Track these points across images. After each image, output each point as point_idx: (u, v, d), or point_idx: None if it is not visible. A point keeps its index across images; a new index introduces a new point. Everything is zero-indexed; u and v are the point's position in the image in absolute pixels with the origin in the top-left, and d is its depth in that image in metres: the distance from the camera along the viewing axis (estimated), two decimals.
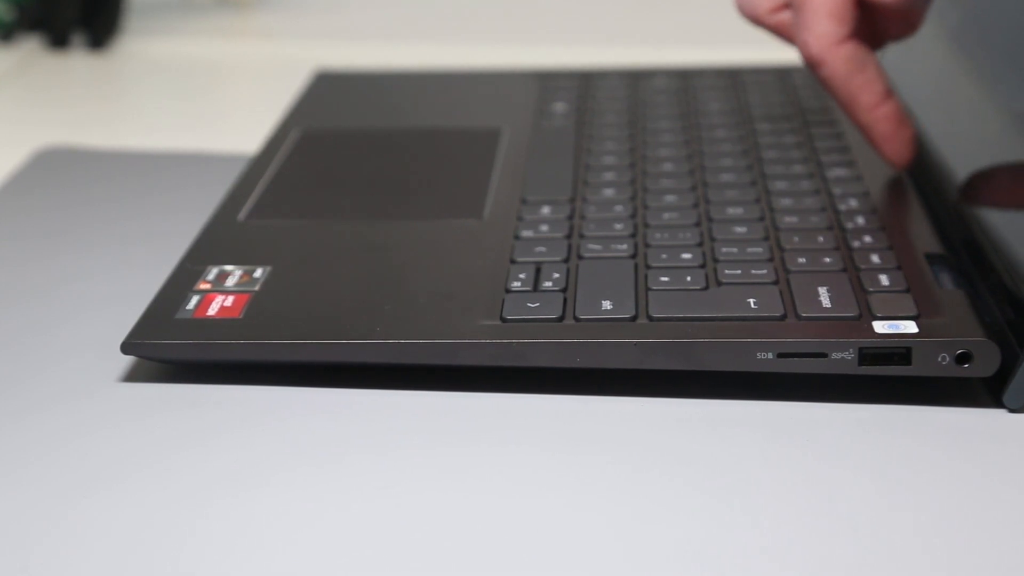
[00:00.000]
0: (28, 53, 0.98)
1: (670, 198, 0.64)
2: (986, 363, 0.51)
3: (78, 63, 0.97)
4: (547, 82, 0.82)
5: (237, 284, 0.57)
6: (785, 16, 0.64)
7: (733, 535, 0.45)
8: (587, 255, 0.58)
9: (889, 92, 0.63)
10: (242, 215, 0.64)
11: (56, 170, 0.75)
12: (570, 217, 0.62)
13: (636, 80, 0.82)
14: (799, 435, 0.50)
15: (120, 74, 0.97)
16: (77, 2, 0.98)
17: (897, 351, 0.51)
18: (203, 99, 0.94)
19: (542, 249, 0.59)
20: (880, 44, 0.65)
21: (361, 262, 0.60)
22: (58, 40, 0.98)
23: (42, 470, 0.48)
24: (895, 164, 0.64)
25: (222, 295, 0.56)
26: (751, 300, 0.54)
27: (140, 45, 1.00)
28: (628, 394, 0.52)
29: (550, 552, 0.44)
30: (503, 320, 0.54)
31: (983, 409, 0.52)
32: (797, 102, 0.77)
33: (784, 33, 0.65)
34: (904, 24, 0.64)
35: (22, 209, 0.71)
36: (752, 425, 0.51)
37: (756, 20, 0.65)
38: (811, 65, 0.63)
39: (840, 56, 0.61)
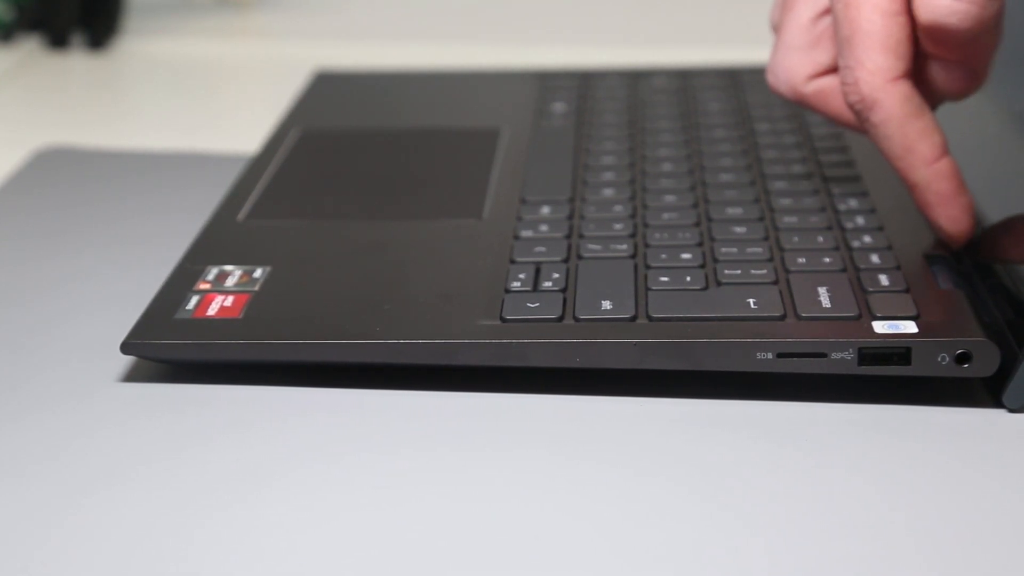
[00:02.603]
0: (28, 53, 0.98)
1: (670, 198, 0.64)
2: (986, 363, 0.51)
3: (78, 63, 0.97)
4: (547, 82, 0.82)
5: (237, 284, 0.57)
6: (827, 81, 0.56)
7: (733, 535, 0.45)
8: (587, 255, 0.58)
9: (946, 147, 0.53)
10: (242, 215, 0.64)
11: (56, 170, 0.75)
12: (570, 217, 0.62)
13: (636, 80, 0.82)
14: (799, 435, 0.50)
15: (120, 74, 0.97)
16: (77, 2, 0.98)
17: (897, 351, 0.51)
18: (203, 99, 0.94)
19: (542, 249, 0.59)
20: (934, 103, 0.55)
21: (361, 262, 0.60)
22: (58, 40, 0.98)
23: (42, 470, 0.48)
24: (951, 235, 0.55)
25: (222, 295, 0.56)
26: (751, 300, 0.54)
27: (140, 45, 1.00)
28: (628, 394, 0.52)
29: (550, 552, 0.44)
30: (503, 320, 0.53)
31: (983, 409, 0.52)
32: None
33: (828, 102, 0.57)
34: (964, 75, 0.55)
35: (22, 209, 0.71)
36: (752, 425, 0.51)
37: (796, 94, 0.57)
38: (863, 109, 0.53)
39: (897, 95, 0.52)
